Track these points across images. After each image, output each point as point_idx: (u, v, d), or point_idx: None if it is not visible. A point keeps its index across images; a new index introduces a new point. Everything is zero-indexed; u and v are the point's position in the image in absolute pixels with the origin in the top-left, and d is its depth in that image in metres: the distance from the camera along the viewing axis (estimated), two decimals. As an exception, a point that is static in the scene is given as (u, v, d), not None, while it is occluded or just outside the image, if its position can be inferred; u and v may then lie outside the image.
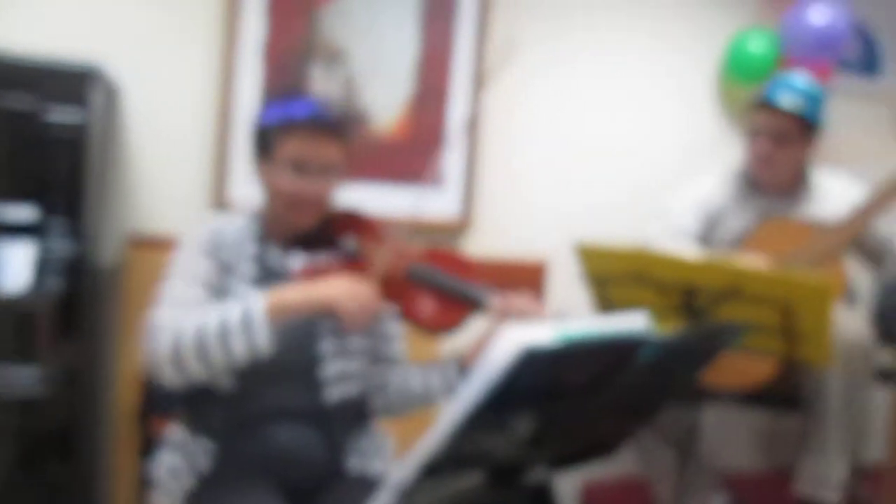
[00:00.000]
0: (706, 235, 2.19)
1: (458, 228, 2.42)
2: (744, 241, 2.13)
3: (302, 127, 1.35)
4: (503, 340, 0.85)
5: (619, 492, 2.48)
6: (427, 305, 1.38)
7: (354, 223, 1.49)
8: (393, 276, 1.37)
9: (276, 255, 1.42)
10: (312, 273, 1.36)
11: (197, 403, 1.36)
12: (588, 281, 1.85)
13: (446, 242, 2.42)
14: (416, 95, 2.36)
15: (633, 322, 1.00)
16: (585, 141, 2.58)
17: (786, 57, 2.55)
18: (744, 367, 1.93)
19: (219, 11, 2.14)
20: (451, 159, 2.40)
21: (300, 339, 1.36)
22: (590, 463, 1.29)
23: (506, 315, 1.32)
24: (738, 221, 2.17)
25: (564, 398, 1.02)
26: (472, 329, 1.40)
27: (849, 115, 2.86)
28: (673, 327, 1.73)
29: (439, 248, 1.50)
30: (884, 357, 2.29)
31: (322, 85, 2.27)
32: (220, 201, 2.16)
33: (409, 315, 1.39)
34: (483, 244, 2.47)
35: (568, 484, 2.51)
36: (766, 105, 2.09)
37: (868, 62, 2.90)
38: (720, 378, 1.94)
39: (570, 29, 2.52)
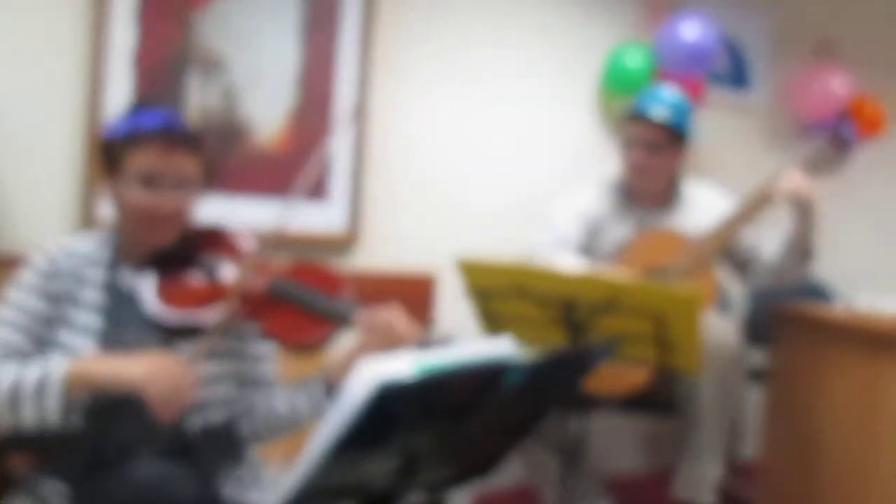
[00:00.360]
0: (588, 245, 2.24)
1: (345, 242, 2.38)
2: (621, 252, 2.19)
3: (152, 139, 1.28)
4: (360, 375, 0.83)
5: (509, 501, 2.49)
6: (291, 322, 1.32)
7: (215, 239, 1.42)
8: (256, 293, 1.32)
9: (127, 277, 1.34)
10: (169, 293, 1.29)
11: (45, 442, 1.26)
12: (471, 295, 1.86)
13: (333, 256, 2.37)
14: (299, 106, 2.30)
15: (499, 347, 0.99)
16: (471, 152, 2.59)
17: (660, 71, 2.65)
18: (619, 374, 1.99)
19: (85, 18, 2.02)
20: (338, 174, 2.36)
21: None
22: (469, 483, 1.28)
23: (373, 330, 1.28)
24: (617, 231, 2.23)
25: (433, 426, 1.01)
26: (342, 345, 1.37)
27: (721, 127, 3.01)
28: (554, 340, 1.76)
29: (306, 262, 1.44)
30: (755, 358, 2.42)
31: (199, 95, 2.18)
32: (89, 220, 2.04)
33: (272, 333, 1.33)
34: (371, 257, 2.44)
35: (458, 497, 2.51)
36: (637, 117, 2.17)
37: (737, 76, 3.06)
38: (597, 385, 1.99)
39: (453, 41, 2.53)
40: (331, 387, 1.34)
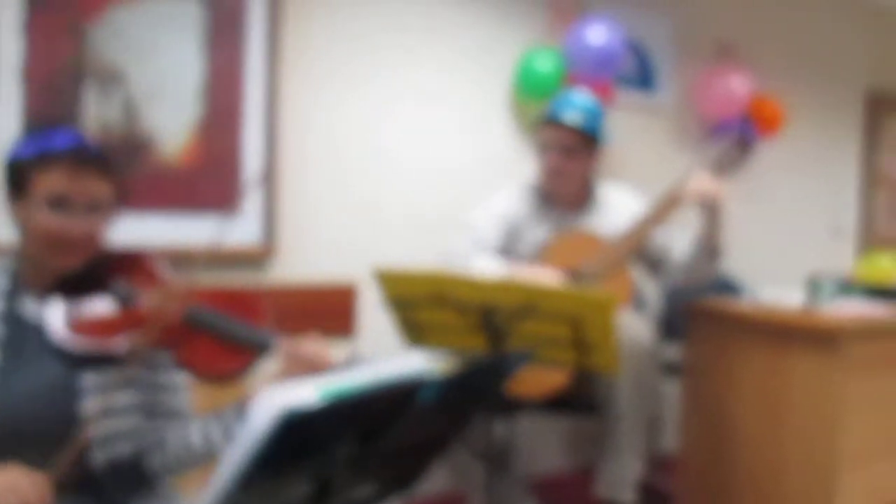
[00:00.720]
0: (507, 247, 2.26)
1: (260, 256, 2.32)
2: (541, 253, 2.22)
3: (62, 160, 1.22)
4: (263, 404, 0.80)
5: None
6: (207, 352, 1.27)
7: (128, 264, 1.35)
8: (170, 320, 1.26)
9: (30, 306, 1.26)
10: (77, 321, 1.22)
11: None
12: (390, 305, 1.84)
13: (249, 272, 2.30)
14: (206, 118, 2.22)
15: (412, 363, 0.98)
16: (386, 159, 2.57)
17: (570, 75, 2.70)
18: (540, 377, 2.01)
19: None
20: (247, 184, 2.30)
21: (57, 399, 1.21)
22: (392, 498, 1.26)
23: (293, 359, 1.25)
24: (535, 233, 2.26)
25: (346, 447, 0.98)
26: (263, 372, 1.32)
27: (629, 128, 3.08)
28: (475, 346, 1.76)
29: (222, 287, 1.39)
30: (671, 353, 2.48)
31: (97, 109, 2.08)
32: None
33: (187, 363, 1.27)
34: (288, 271, 2.38)
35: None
36: (551, 122, 2.20)
37: (644, 78, 3.14)
38: (518, 388, 2.01)
39: (364, 48, 2.50)
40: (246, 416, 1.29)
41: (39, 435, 1.19)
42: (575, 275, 2.10)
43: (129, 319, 1.26)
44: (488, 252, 2.21)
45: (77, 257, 1.26)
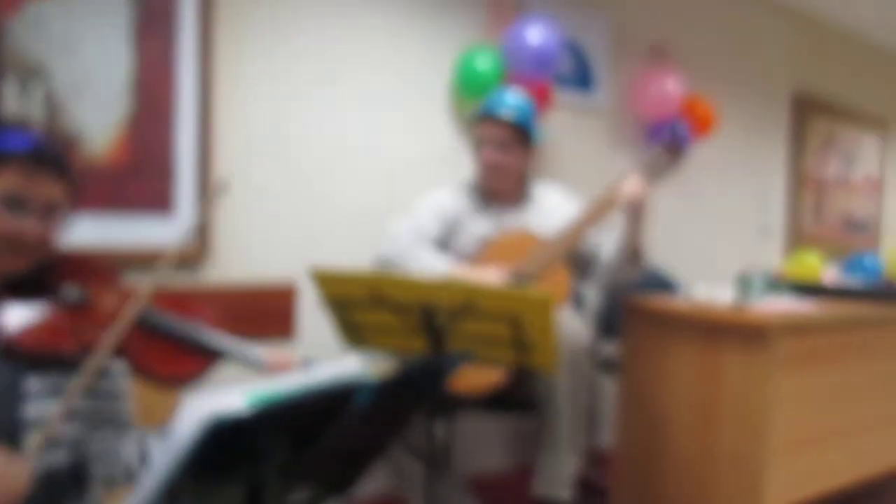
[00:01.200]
0: (447, 240, 2.28)
1: (194, 257, 2.25)
2: (483, 250, 2.23)
3: (17, 161, 1.20)
4: (189, 411, 0.77)
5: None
6: (164, 358, 1.26)
7: (79, 267, 1.33)
8: (125, 323, 1.23)
9: None
10: (30, 335, 1.17)
11: None
12: (328, 306, 1.81)
13: (183, 273, 2.23)
14: (134, 114, 2.15)
15: (347, 368, 0.96)
16: (323, 157, 2.53)
17: (509, 74, 2.71)
18: (477, 373, 2.01)
19: None
20: (182, 183, 2.23)
21: (0, 404, 1.17)
22: (332, 501, 1.24)
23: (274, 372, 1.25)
24: (475, 228, 2.28)
25: (278, 452, 0.96)
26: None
27: (568, 127, 3.12)
28: (415, 347, 1.74)
29: (177, 290, 1.36)
30: (609, 350, 2.52)
31: (17, 105, 1.98)
32: None
33: (142, 368, 1.25)
34: (224, 272, 2.32)
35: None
36: (487, 117, 2.27)
37: (582, 78, 3.18)
38: (456, 385, 2.00)
39: (299, 45, 2.46)
40: None
41: None
42: (516, 274, 2.11)
43: (79, 321, 1.24)
44: (430, 245, 2.21)
45: (27, 259, 1.24)
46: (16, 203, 1.20)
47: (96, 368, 1.22)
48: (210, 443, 0.78)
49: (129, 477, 1.30)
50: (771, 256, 4.14)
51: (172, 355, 1.27)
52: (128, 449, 1.29)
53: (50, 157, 1.24)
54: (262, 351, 1.29)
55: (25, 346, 1.18)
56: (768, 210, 4.17)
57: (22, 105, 1.99)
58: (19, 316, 1.21)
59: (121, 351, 1.23)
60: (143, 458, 1.27)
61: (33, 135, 1.28)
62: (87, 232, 2.06)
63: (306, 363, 1.30)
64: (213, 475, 0.90)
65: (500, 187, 2.31)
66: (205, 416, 0.75)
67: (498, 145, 2.24)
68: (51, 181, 1.24)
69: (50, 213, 1.24)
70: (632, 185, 2.07)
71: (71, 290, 1.28)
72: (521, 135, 2.25)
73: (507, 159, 2.25)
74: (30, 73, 2.00)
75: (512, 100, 2.28)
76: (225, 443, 0.82)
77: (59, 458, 1.22)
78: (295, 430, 0.96)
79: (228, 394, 0.78)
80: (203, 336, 1.28)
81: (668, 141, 2.15)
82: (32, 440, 1.18)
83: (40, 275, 1.27)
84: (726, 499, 2.09)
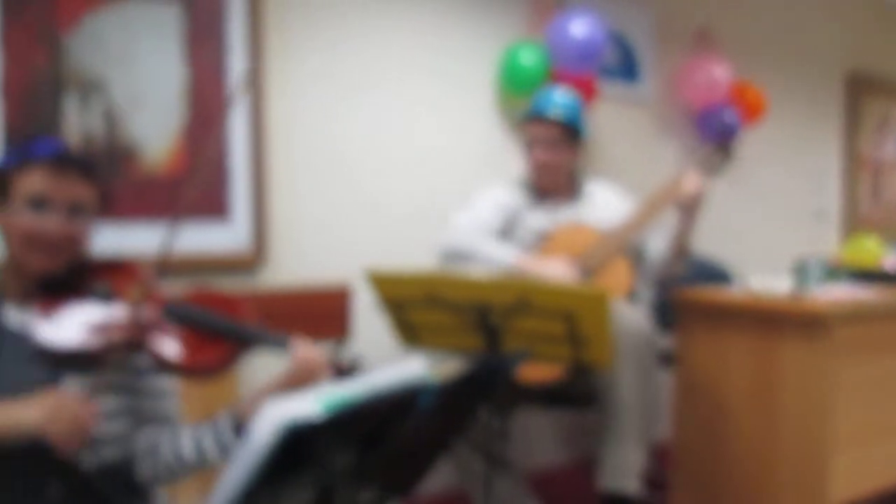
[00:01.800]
0: (505, 233, 2.32)
1: (250, 262, 2.30)
2: (544, 242, 2.28)
3: (42, 163, 1.24)
4: (265, 417, 0.80)
5: (440, 507, 2.49)
6: (188, 346, 1.27)
7: (110, 270, 1.35)
8: (150, 318, 1.26)
9: (12, 314, 1.26)
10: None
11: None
12: (384, 307, 1.83)
13: (238, 278, 2.29)
14: (189, 124, 2.20)
15: (410, 370, 0.98)
16: (374, 159, 2.56)
17: (554, 68, 2.70)
18: (534, 369, 2.02)
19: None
20: (237, 190, 2.28)
21: None
22: (397, 501, 1.26)
23: (304, 362, 1.26)
24: (533, 220, 2.32)
25: (346, 455, 0.98)
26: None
27: (615, 119, 3.09)
28: (470, 346, 1.76)
29: (202, 288, 1.38)
30: (664, 343, 2.50)
31: (78, 119, 2.05)
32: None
33: (164, 361, 1.26)
34: (280, 276, 2.37)
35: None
36: (535, 118, 2.31)
37: (627, 69, 3.15)
38: (513, 381, 2.02)
39: (346, 47, 2.49)
40: (240, 425, 1.29)
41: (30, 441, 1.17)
42: (580, 264, 2.14)
43: (106, 319, 1.25)
44: (494, 237, 2.25)
45: (57, 259, 1.26)
46: (40, 203, 1.23)
47: (119, 364, 1.24)
48: (285, 447, 0.80)
49: (174, 472, 1.33)
50: (827, 243, 4.04)
51: (195, 345, 1.27)
52: (166, 447, 1.33)
53: (75, 160, 1.27)
54: (294, 340, 1.30)
55: (59, 346, 1.21)
56: (823, 195, 4.06)
57: (82, 119, 2.06)
58: (58, 320, 1.24)
59: (141, 347, 1.25)
60: (200, 455, 1.30)
61: (58, 140, 1.33)
62: (147, 239, 2.12)
63: (351, 364, 1.30)
64: (284, 479, 0.93)
65: (552, 184, 2.35)
66: (281, 421, 0.78)
67: (547, 145, 2.29)
68: (76, 182, 1.26)
69: (75, 213, 1.26)
70: (692, 182, 2.09)
71: (99, 287, 1.30)
72: (569, 133, 2.29)
73: (556, 158, 2.30)
74: (89, 88, 2.07)
75: (560, 98, 2.32)
76: (297, 447, 0.84)
77: (109, 454, 1.27)
78: (362, 433, 0.98)
79: (302, 399, 0.80)
80: (226, 323, 1.29)
81: (719, 140, 2.17)
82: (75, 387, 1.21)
83: (72, 276, 1.29)
84: (789, 493, 2.06)
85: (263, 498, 0.93)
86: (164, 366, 1.28)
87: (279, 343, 1.28)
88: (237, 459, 0.84)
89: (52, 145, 1.27)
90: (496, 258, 2.14)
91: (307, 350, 1.28)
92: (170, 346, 1.26)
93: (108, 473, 1.26)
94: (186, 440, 1.31)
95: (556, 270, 2.09)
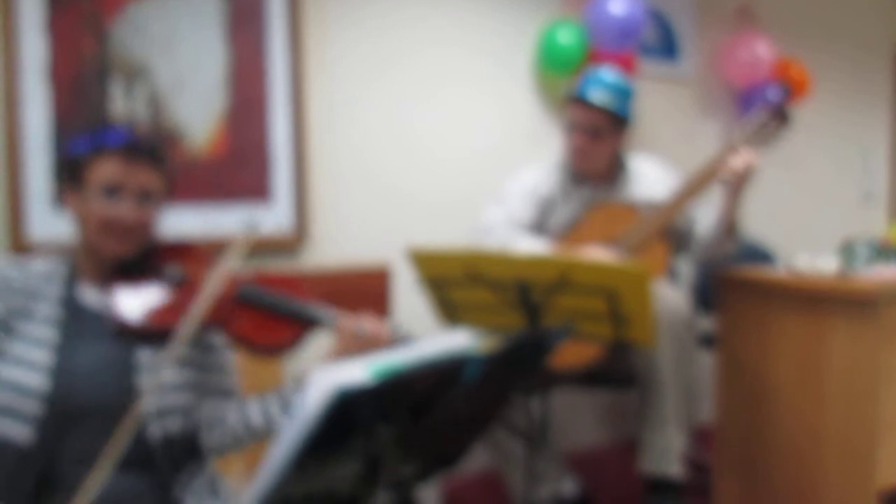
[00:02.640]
0: (541, 223, 2.26)
1: (292, 243, 2.33)
2: (574, 228, 2.21)
3: (115, 152, 1.30)
4: (316, 384, 0.81)
5: (478, 488, 2.50)
6: (260, 328, 1.33)
7: (178, 251, 1.43)
8: (223, 300, 1.32)
9: (89, 294, 1.34)
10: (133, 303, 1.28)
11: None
12: (425, 285, 1.84)
13: (282, 258, 2.32)
14: (231, 108, 2.24)
15: (456, 341, 0.98)
16: (412, 139, 2.56)
17: (593, 47, 2.66)
18: (574, 349, 2.01)
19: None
20: (279, 172, 2.31)
21: (116, 375, 1.28)
22: (439, 475, 1.28)
23: (353, 335, 1.30)
24: (565, 210, 2.25)
25: (394, 425, 1.00)
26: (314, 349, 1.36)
27: (654, 98, 3.05)
28: (511, 323, 1.76)
29: (269, 270, 1.44)
30: (704, 324, 2.47)
31: (123, 105, 2.10)
32: (18, 244, 1.95)
33: (242, 340, 1.33)
34: (321, 256, 2.40)
35: (428, 488, 2.51)
36: (578, 100, 2.16)
37: (667, 47, 3.10)
38: (553, 361, 2.00)
39: (384, 33, 2.49)
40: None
41: (100, 410, 1.25)
42: (615, 246, 2.10)
43: (181, 301, 1.32)
44: (522, 229, 2.20)
45: (130, 244, 1.33)
46: (113, 190, 1.29)
47: (194, 341, 1.32)
48: (335, 414, 0.82)
49: (235, 442, 1.39)
50: (875, 223, 3.94)
51: (267, 326, 1.33)
52: (233, 417, 1.38)
53: (145, 149, 1.33)
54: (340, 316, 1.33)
55: (134, 326, 1.27)
56: (871, 175, 3.96)
57: (127, 104, 2.11)
58: (133, 300, 1.30)
59: (218, 324, 1.31)
60: (268, 421, 1.35)
61: (130, 129, 1.38)
62: (191, 221, 2.17)
63: (396, 332, 1.33)
64: (334, 448, 0.94)
65: (590, 170, 2.25)
66: (331, 387, 0.79)
67: (588, 131, 2.15)
68: (146, 170, 1.32)
69: (146, 199, 1.32)
70: (741, 158, 1.96)
71: (172, 271, 1.37)
72: (614, 120, 2.15)
73: (596, 146, 2.16)
74: (134, 73, 2.11)
75: (608, 80, 2.15)
76: (347, 415, 0.85)
77: (175, 424, 1.32)
78: (408, 404, 0.99)
79: (351, 366, 0.81)
80: (295, 305, 1.34)
81: (773, 105, 2.04)
82: (146, 382, 1.27)
83: (144, 259, 1.36)
84: (835, 478, 2.02)
85: (312, 467, 0.95)
86: (237, 344, 1.34)
87: (331, 321, 1.33)
88: (288, 427, 0.86)
89: (125, 134, 1.33)
90: (526, 252, 2.09)
91: (353, 323, 1.31)
92: (243, 326, 1.32)
93: (171, 442, 1.31)
94: (254, 409, 1.36)
95: (597, 254, 2.01)
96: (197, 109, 2.19)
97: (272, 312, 1.35)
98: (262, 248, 2.27)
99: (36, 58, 1.98)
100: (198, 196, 2.20)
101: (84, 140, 1.34)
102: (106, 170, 1.29)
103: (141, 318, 1.28)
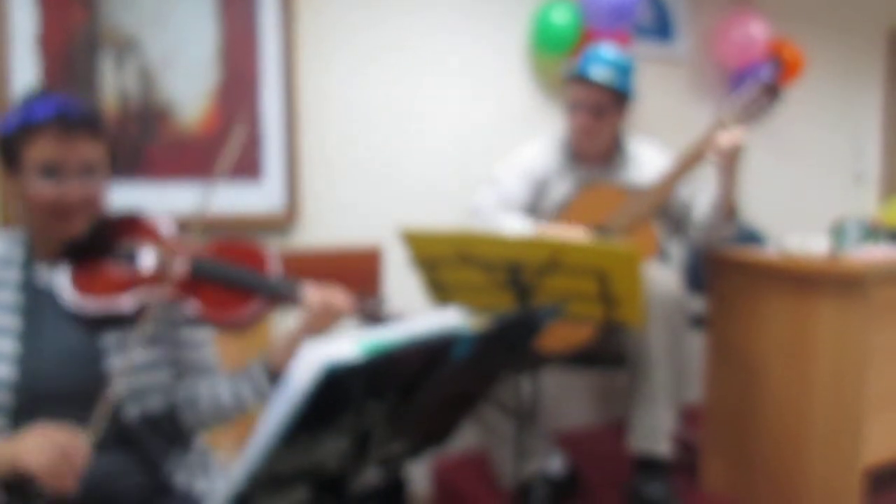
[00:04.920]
0: (535, 203, 2.26)
1: (283, 222, 2.33)
2: (564, 209, 2.21)
3: (46, 128, 1.20)
4: (304, 359, 0.81)
5: (468, 466, 2.52)
6: (217, 301, 1.29)
7: (132, 226, 1.36)
8: (178, 275, 1.28)
9: (43, 274, 1.29)
10: (85, 283, 1.24)
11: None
12: (417, 265, 1.85)
13: (272, 237, 2.32)
14: (222, 84, 2.22)
15: (445, 319, 0.98)
16: (405, 119, 2.55)
17: (587, 28, 2.65)
18: (565, 330, 2.01)
19: (-21, 4, 1.90)
20: (270, 151, 2.29)
21: (83, 360, 1.25)
22: (428, 453, 1.28)
23: (313, 307, 1.27)
24: (560, 189, 2.25)
25: (383, 402, 1.00)
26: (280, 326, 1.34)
27: (649, 79, 3.03)
28: (502, 304, 1.77)
29: (228, 241, 1.39)
30: (695, 305, 2.48)
31: (114, 78, 2.08)
32: (8, 220, 1.94)
33: (204, 315, 1.29)
34: (312, 236, 2.39)
35: (417, 467, 2.53)
36: (580, 79, 2.15)
37: (661, 28, 3.09)
38: (544, 343, 2.02)
39: (378, 12, 2.47)
40: (273, 372, 1.32)
41: (70, 396, 1.22)
42: (601, 229, 2.09)
43: (136, 278, 1.28)
44: (515, 211, 2.20)
45: (79, 222, 1.26)
46: (54, 169, 1.21)
47: (155, 317, 1.25)
48: (324, 389, 0.82)
49: (217, 418, 1.37)
50: (866, 204, 3.95)
51: (225, 300, 1.29)
52: (205, 395, 1.36)
53: (79, 119, 1.23)
54: (304, 287, 1.30)
55: (87, 305, 1.23)
56: (863, 156, 3.96)
57: (118, 77, 2.09)
58: (77, 277, 1.25)
59: (178, 299, 1.27)
60: (238, 401, 1.34)
61: (59, 99, 1.25)
62: (181, 199, 2.16)
63: (377, 308, 1.31)
64: (322, 424, 0.94)
65: (592, 149, 2.24)
66: (320, 363, 0.79)
67: (591, 110, 2.15)
68: (85, 142, 1.23)
69: (89, 173, 1.24)
70: (728, 136, 1.95)
71: (124, 247, 1.31)
72: (616, 97, 2.15)
73: (600, 124, 2.16)
74: (124, 47, 2.09)
75: (609, 57, 2.15)
76: (335, 391, 0.86)
77: (154, 403, 1.30)
78: (397, 382, 1.00)
79: (341, 342, 0.81)
80: (250, 278, 1.30)
81: (762, 82, 2.04)
82: (114, 364, 1.23)
83: (94, 236, 1.29)
84: (822, 455, 2.05)
85: (301, 443, 0.95)
86: (197, 319, 1.30)
87: (291, 292, 1.29)
88: (276, 403, 0.86)
89: (53, 106, 1.23)
90: (512, 231, 2.09)
91: (318, 294, 1.28)
92: (199, 302, 1.28)
93: (151, 421, 1.29)
94: (224, 389, 1.35)
95: (572, 235, 2.01)
96: (188, 85, 2.17)
97: (228, 286, 1.29)
98: (252, 226, 2.26)
99: (26, 29, 1.95)
100: (187, 172, 2.18)
101: (12, 117, 1.24)
102: (41, 148, 1.20)
103: (92, 300, 1.24)
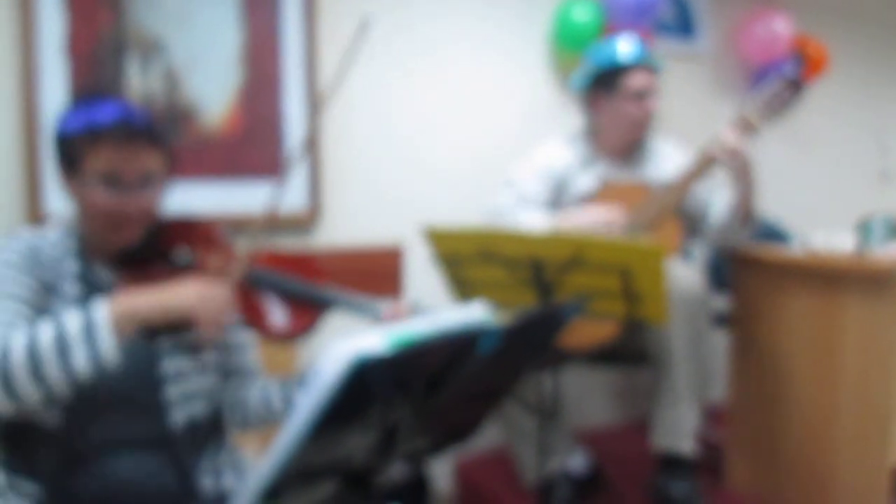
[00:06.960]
0: (555, 200, 2.26)
1: (306, 221, 2.34)
2: (586, 203, 2.21)
3: (110, 135, 1.20)
4: (332, 353, 0.82)
5: (490, 465, 2.52)
6: (272, 312, 1.30)
7: (186, 231, 1.37)
8: (232, 282, 1.27)
9: (102, 272, 1.29)
10: (137, 281, 1.25)
11: (15, 441, 1.21)
12: (440, 263, 1.85)
13: (295, 236, 2.33)
14: (246, 85, 2.24)
15: (471, 313, 0.99)
16: (427, 117, 2.56)
17: (608, 25, 2.64)
18: (588, 328, 2.01)
19: (11, 7, 1.94)
20: (293, 150, 2.31)
21: (138, 360, 1.25)
22: (450, 450, 1.29)
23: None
24: (580, 184, 2.24)
25: (409, 397, 1.00)
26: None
27: (670, 76, 3.01)
28: (525, 302, 1.77)
29: (283, 251, 1.41)
30: (718, 303, 2.46)
31: (140, 80, 2.10)
32: (35, 216, 1.97)
33: (253, 323, 1.30)
34: (334, 234, 2.41)
35: (440, 465, 2.53)
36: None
37: (683, 25, 3.07)
38: (567, 340, 2.01)
39: (400, 8, 2.48)
40: None
41: (125, 396, 1.24)
42: (624, 225, 2.09)
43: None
44: (533, 207, 2.20)
45: (135, 232, 1.27)
46: (115, 179, 1.21)
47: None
48: (352, 383, 0.82)
49: (259, 421, 1.40)
50: (892, 202, 3.90)
51: (284, 311, 1.30)
52: (255, 398, 1.39)
53: (141, 129, 1.23)
54: (381, 304, 1.32)
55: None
56: (889, 153, 3.91)
57: (143, 80, 2.11)
58: (133, 283, 1.24)
59: (238, 306, 1.27)
60: (267, 403, 1.36)
61: (122, 105, 1.25)
62: (205, 198, 2.18)
63: (416, 308, 1.32)
64: (350, 418, 0.95)
65: (639, 139, 2.27)
66: (348, 356, 0.80)
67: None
68: (145, 152, 1.23)
69: (148, 184, 1.25)
70: (733, 135, 1.99)
71: (180, 255, 1.32)
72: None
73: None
74: (149, 49, 2.12)
75: (640, 43, 2.25)
76: (363, 385, 0.86)
77: (199, 408, 1.32)
78: (423, 376, 1.00)
79: (368, 335, 0.82)
80: (310, 289, 1.30)
81: (785, 76, 2.03)
82: (169, 368, 1.25)
83: (150, 242, 1.30)
84: (849, 455, 2.02)
85: (328, 437, 0.96)
86: (249, 329, 1.31)
87: (368, 310, 1.29)
88: (304, 397, 0.87)
89: (116, 111, 1.23)
90: (532, 225, 2.10)
91: (397, 312, 1.29)
92: (254, 310, 1.29)
93: (195, 426, 1.30)
94: (275, 393, 1.37)
95: (593, 217, 2.04)
96: (212, 86, 2.19)
97: (284, 297, 1.30)
98: (276, 225, 2.27)
99: (54, 32, 1.98)
100: (211, 172, 2.20)
101: (75, 117, 1.24)
102: (102, 158, 1.20)
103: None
